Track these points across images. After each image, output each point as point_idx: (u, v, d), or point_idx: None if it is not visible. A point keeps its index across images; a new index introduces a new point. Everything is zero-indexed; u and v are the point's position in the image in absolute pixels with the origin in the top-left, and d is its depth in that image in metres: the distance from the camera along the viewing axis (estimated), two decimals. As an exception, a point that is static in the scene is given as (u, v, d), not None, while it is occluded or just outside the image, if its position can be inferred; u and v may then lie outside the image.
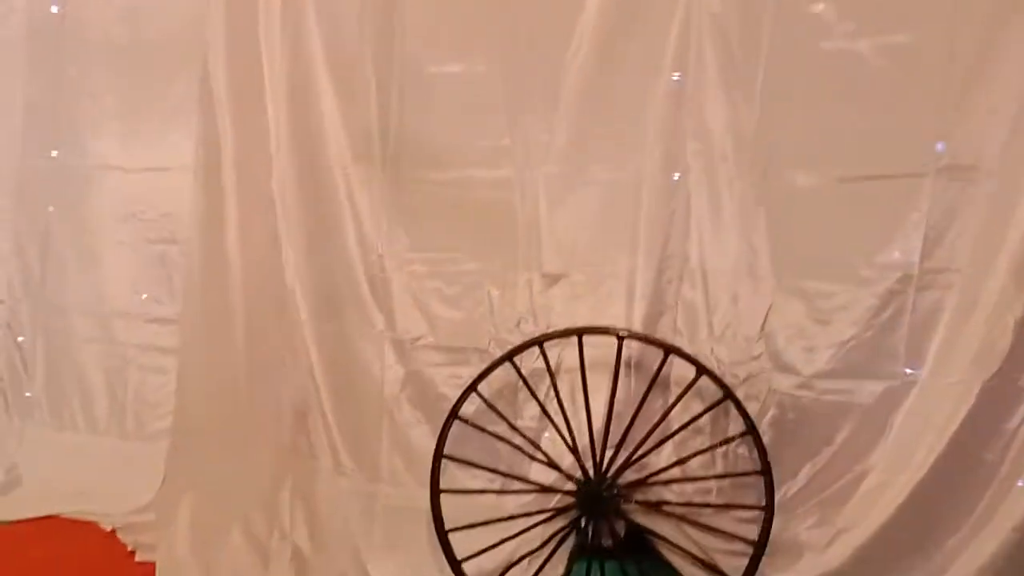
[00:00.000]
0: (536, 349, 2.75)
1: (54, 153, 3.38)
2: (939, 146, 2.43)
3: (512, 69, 2.83)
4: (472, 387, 2.78)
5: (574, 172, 2.82)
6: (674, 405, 2.71)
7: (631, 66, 2.72)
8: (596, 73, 2.76)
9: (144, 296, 3.29)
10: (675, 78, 2.69)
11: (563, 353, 2.80)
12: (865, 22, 2.48)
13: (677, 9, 2.66)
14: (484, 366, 2.78)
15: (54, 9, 3.31)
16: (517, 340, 2.82)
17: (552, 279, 2.86)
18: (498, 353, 2.81)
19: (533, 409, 2.84)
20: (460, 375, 2.87)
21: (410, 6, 2.89)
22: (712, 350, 2.70)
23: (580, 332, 2.73)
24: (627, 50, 2.72)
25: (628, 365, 2.76)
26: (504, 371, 2.79)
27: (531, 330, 2.85)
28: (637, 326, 2.76)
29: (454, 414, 2.79)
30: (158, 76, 3.26)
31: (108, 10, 3.29)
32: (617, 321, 2.77)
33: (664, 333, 2.77)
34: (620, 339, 2.70)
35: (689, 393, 2.67)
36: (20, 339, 3.44)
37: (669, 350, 2.68)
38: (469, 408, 2.81)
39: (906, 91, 2.46)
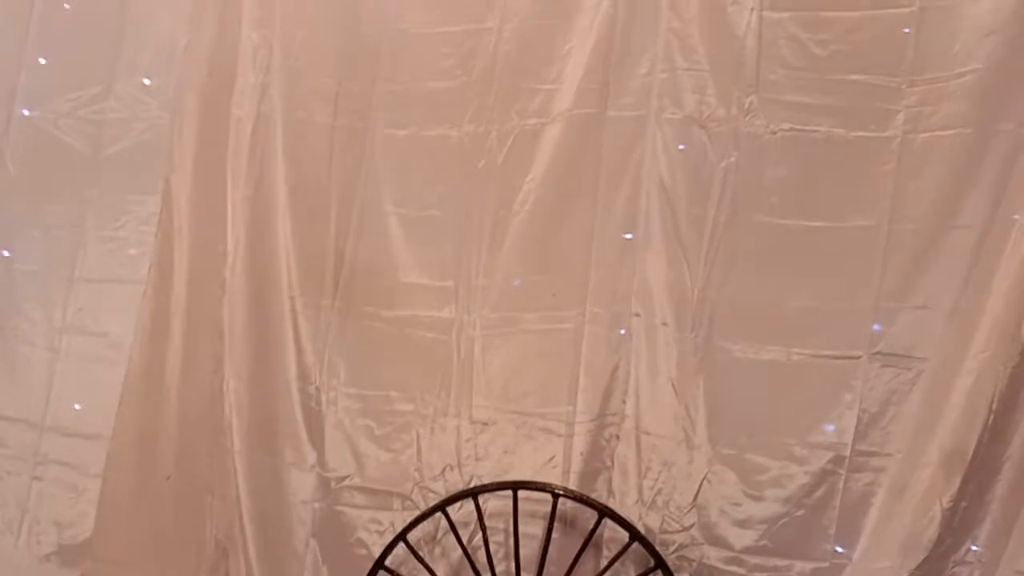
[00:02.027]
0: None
1: (5, 253, 3.35)
2: (875, 327, 2.47)
3: (464, 213, 2.87)
4: (401, 536, 2.70)
5: (513, 319, 2.82)
6: (606, 570, 2.63)
7: (580, 218, 2.77)
8: (543, 221, 2.80)
9: (78, 406, 3.20)
10: (627, 237, 2.74)
11: (488, 504, 2.73)
12: (806, 206, 2.56)
13: (628, 173, 2.72)
14: (405, 512, 2.72)
15: (26, 112, 3.33)
16: (441, 488, 2.77)
17: (481, 426, 2.82)
18: (421, 501, 2.75)
19: (452, 562, 2.75)
20: (381, 521, 2.79)
21: (378, 147, 2.95)
22: (641, 516, 2.65)
23: (515, 487, 2.68)
24: (576, 202, 2.78)
25: (562, 521, 2.70)
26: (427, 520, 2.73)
27: (456, 479, 2.79)
28: (573, 483, 2.70)
29: (380, 564, 2.70)
30: (118, 190, 3.27)
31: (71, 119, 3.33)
32: (550, 476, 2.72)
33: (600, 493, 2.72)
34: (555, 497, 2.65)
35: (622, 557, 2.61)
36: None
37: (603, 512, 2.63)
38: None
39: (846, 275, 2.52)
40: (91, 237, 3.25)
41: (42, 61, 3.32)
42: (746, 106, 2.60)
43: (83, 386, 3.22)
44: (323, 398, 2.92)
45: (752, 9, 2.60)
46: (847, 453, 2.47)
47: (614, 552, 2.63)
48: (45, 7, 3.31)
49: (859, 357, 2.48)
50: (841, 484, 2.47)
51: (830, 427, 2.50)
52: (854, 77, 2.52)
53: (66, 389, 3.22)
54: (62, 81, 3.31)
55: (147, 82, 3.25)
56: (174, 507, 2.99)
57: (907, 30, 2.47)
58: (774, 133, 2.58)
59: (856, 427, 2.46)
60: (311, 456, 2.91)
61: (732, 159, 2.61)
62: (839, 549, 2.48)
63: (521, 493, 2.67)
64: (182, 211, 3.04)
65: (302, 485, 2.91)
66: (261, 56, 3.02)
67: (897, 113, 2.48)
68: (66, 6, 3.31)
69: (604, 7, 2.75)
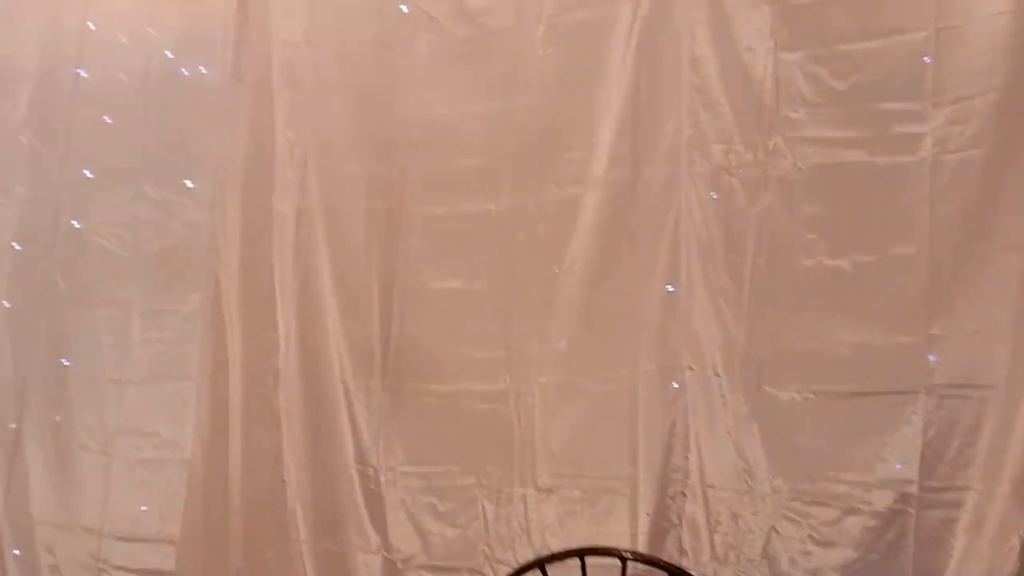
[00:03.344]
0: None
1: (65, 362, 3.43)
2: (931, 358, 2.42)
3: (508, 284, 2.90)
4: (474, 614, 2.69)
5: (568, 383, 2.81)
6: (682, 632, 2.58)
7: (623, 279, 2.78)
8: (588, 285, 2.82)
9: (144, 508, 3.22)
10: (670, 289, 2.74)
11: (558, 572, 2.68)
12: (844, 241, 2.54)
13: (665, 229, 2.73)
14: (478, 588, 2.70)
15: (76, 224, 3.43)
16: (511, 559, 2.73)
17: (547, 493, 2.80)
18: (491, 574, 2.72)
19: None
20: (452, 599, 2.78)
21: (415, 227, 3.01)
22: (715, 572, 2.59)
23: (582, 553, 2.62)
24: (619, 264, 2.79)
25: (632, 586, 2.67)
26: (499, 595, 2.71)
27: (525, 549, 2.76)
28: (642, 545, 2.66)
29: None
30: (157, 291, 3.33)
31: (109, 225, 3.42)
32: (618, 539, 2.67)
33: (670, 553, 2.66)
34: (623, 561, 2.60)
35: (697, 616, 2.56)
36: None
37: (673, 572, 2.57)
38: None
39: (893, 307, 2.48)
40: (136, 339, 3.32)
41: (88, 174, 3.45)
42: (770, 148, 2.61)
43: (138, 488, 3.24)
44: (382, 479, 2.92)
45: (767, 52, 2.63)
46: (915, 491, 2.40)
47: (688, 612, 2.58)
48: (85, 121, 3.46)
49: (917, 391, 2.42)
50: (912, 523, 2.39)
51: (898, 465, 2.43)
52: (876, 105, 2.52)
53: (122, 492, 3.25)
54: (100, 190, 3.43)
55: (189, 184, 3.36)
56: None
57: (927, 59, 2.47)
58: (801, 170, 2.58)
59: (921, 463, 2.39)
60: (375, 539, 2.91)
61: (765, 203, 2.62)
62: (921, 592, 2.41)
63: (589, 560, 2.62)
64: (231, 305, 3.12)
65: (369, 569, 2.90)
66: (297, 153, 3.13)
67: (924, 136, 2.46)
68: (107, 119, 3.44)
69: (628, 75, 2.80)
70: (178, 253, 3.31)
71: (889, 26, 2.51)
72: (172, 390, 3.22)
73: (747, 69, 2.65)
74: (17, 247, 3.50)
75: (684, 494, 2.69)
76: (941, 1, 2.46)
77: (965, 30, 2.44)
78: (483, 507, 2.84)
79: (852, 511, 2.46)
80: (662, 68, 2.77)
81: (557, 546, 2.71)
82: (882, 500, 2.43)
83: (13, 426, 3.40)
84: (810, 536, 2.51)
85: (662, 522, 2.69)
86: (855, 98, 2.54)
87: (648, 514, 2.69)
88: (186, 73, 3.42)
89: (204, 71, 3.38)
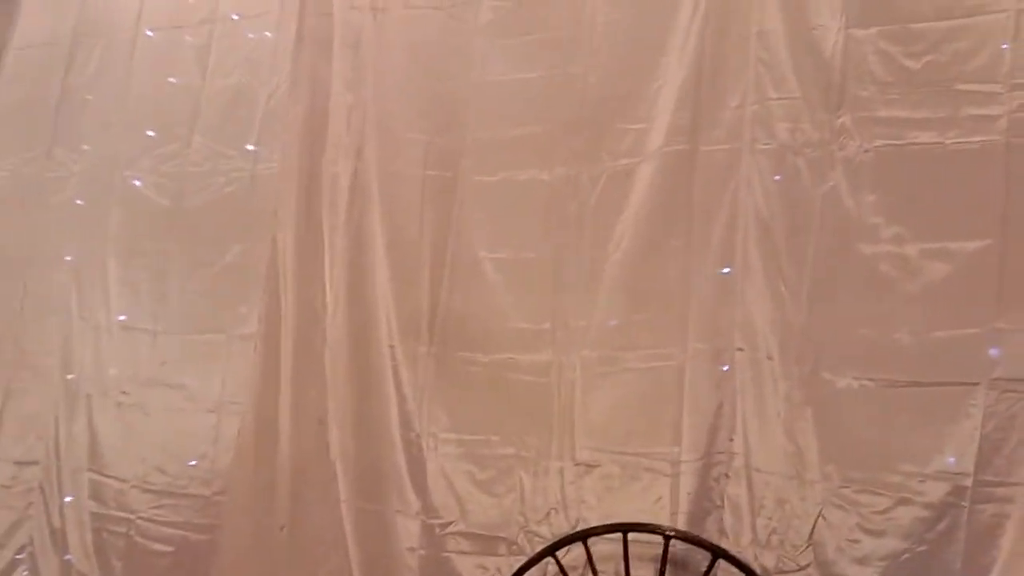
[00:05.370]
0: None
1: (121, 318, 3.46)
2: (992, 352, 2.34)
3: (558, 256, 2.88)
4: (510, 582, 2.69)
5: (612, 357, 2.79)
6: (720, 613, 2.56)
7: (675, 256, 2.74)
8: (639, 261, 2.78)
9: (193, 463, 3.27)
10: (724, 271, 2.69)
11: (596, 547, 2.67)
12: (911, 227, 2.47)
13: (723, 207, 2.69)
14: (512, 557, 2.70)
15: (137, 183, 3.48)
16: (546, 532, 2.74)
17: (585, 468, 2.78)
18: (527, 545, 2.73)
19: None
20: (487, 567, 2.78)
21: (468, 195, 3.00)
22: (756, 556, 2.56)
23: (626, 528, 2.62)
24: (671, 240, 2.75)
25: (671, 563, 2.62)
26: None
27: (561, 522, 2.75)
28: (682, 524, 2.63)
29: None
30: (196, 244, 3.38)
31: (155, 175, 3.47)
32: (657, 518, 2.66)
33: (710, 534, 2.63)
34: (667, 539, 2.58)
35: (736, 599, 2.53)
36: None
37: (717, 553, 2.55)
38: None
39: (958, 298, 2.40)
40: (172, 289, 3.38)
41: (150, 134, 3.49)
42: (838, 127, 2.54)
43: (172, 440, 3.29)
44: (424, 444, 2.94)
45: (838, 28, 2.56)
46: (968, 484, 2.34)
47: (728, 595, 2.55)
48: (147, 79, 3.52)
49: (977, 384, 2.36)
50: (965, 517, 2.33)
51: (951, 459, 2.37)
52: (949, 86, 2.43)
53: (156, 444, 3.30)
54: (155, 145, 3.48)
55: (250, 148, 3.38)
56: (288, 557, 3.03)
57: (1004, 45, 2.38)
58: (868, 151, 2.51)
59: (977, 456, 2.33)
60: (415, 503, 2.93)
61: (830, 184, 2.55)
62: (969, 588, 2.35)
63: (630, 535, 2.61)
64: (287, 267, 3.14)
65: (408, 532, 2.92)
66: (355, 116, 3.13)
67: (999, 118, 2.37)
68: (171, 80, 3.49)
69: (692, 43, 2.75)
70: (221, 206, 3.34)
71: (968, 6, 2.43)
72: (202, 343, 3.26)
73: (816, 45, 2.58)
74: (79, 203, 3.59)
75: (728, 476, 2.65)
76: None
77: None
78: (520, 478, 2.84)
79: (904, 501, 2.41)
80: (728, 40, 2.72)
81: (593, 521, 2.71)
82: (935, 492, 2.38)
83: (70, 377, 3.49)
84: (859, 524, 2.46)
85: (703, 503, 2.66)
86: (927, 78, 2.46)
87: (689, 494, 2.66)
88: (251, 36, 3.45)
89: (268, 35, 3.41)
